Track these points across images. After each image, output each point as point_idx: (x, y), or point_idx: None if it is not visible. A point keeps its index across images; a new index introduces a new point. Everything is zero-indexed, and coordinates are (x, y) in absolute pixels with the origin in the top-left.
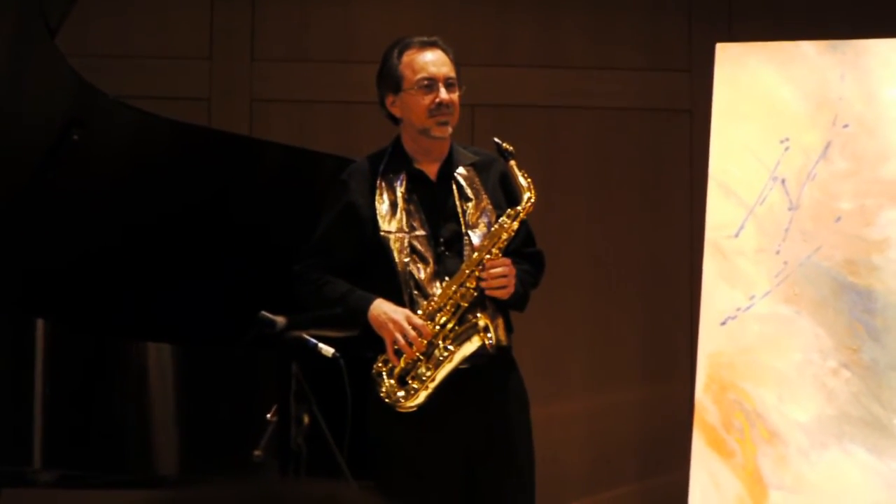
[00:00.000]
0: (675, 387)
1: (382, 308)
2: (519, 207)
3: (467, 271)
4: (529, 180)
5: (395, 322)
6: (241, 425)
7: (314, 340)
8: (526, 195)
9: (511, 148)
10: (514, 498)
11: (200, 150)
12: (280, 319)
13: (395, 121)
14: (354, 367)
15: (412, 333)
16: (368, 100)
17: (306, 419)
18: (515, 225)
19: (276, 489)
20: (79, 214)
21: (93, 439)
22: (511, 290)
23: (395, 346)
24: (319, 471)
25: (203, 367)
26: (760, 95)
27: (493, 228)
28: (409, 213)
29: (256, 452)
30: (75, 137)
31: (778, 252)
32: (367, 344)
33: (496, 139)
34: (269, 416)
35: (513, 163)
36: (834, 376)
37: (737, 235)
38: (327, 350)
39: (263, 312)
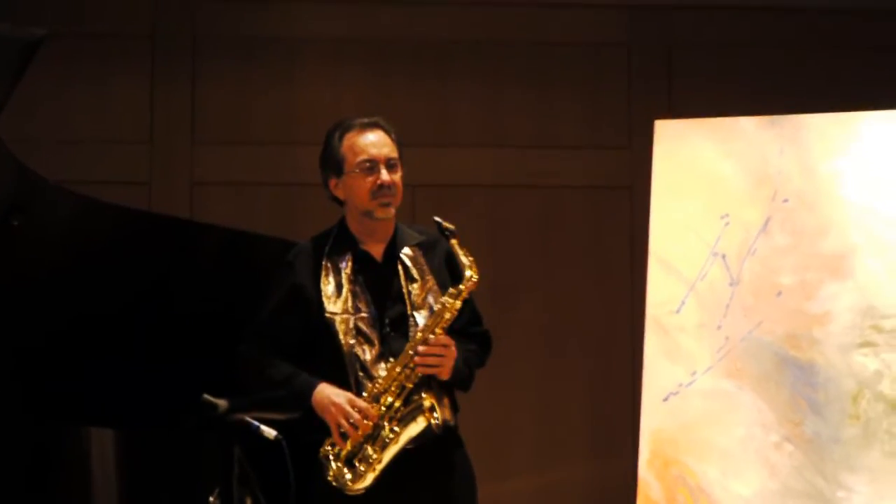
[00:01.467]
0: (618, 463)
1: (325, 392)
2: (461, 286)
3: (411, 352)
4: (471, 259)
5: (337, 406)
6: None
7: (256, 423)
8: (468, 273)
9: (452, 227)
10: None
11: (141, 234)
12: (222, 403)
13: (340, 202)
14: (297, 450)
15: (356, 416)
16: (310, 181)
17: (249, 502)
18: (458, 304)
19: None
20: (18, 301)
21: None
22: (446, 369)
23: (341, 430)
24: None
25: (145, 451)
26: (700, 171)
27: (436, 308)
28: (354, 295)
29: None
30: (15, 223)
31: (719, 327)
32: (310, 426)
33: (436, 218)
34: (211, 499)
35: (454, 241)
36: (776, 450)
37: (678, 311)
38: (269, 432)
39: (205, 396)
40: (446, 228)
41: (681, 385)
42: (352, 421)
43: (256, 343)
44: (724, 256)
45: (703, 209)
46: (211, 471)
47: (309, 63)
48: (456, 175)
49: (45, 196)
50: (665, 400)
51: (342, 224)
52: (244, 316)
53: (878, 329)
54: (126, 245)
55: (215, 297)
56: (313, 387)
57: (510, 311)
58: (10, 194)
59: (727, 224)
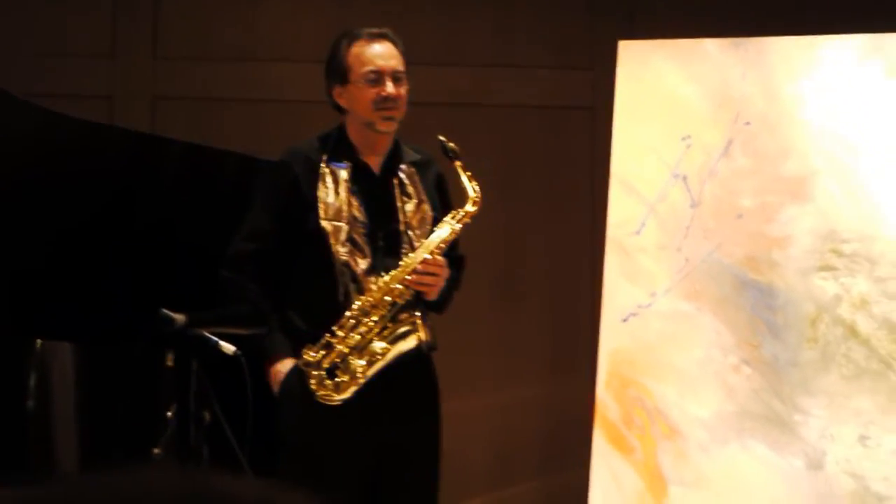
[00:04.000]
0: (576, 384)
1: (279, 369)
2: (462, 210)
3: (407, 269)
4: (476, 182)
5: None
6: (141, 423)
7: (215, 338)
8: (472, 195)
9: (456, 147)
10: (418, 500)
11: (102, 147)
12: (180, 317)
13: (341, 111)
14: (256, 365)
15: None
16: (272, 97)
17: (207, 417)
18: (458, 227)
19: (174, 486)
20: None
21: None
22: (437, 289)
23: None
24: (220, 468)
25: (103, 365)
26: (662, 93)
27: (435, 228)
28: (350, 205)
29: (156, 450)
30: None
31: (679, 249)
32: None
33: (441, 137)
34: (168, 414)
35: (458, 163)
36: (734, 372)
37: (638, 233)
38: (228, 348)
39: (164, 310)
40: (451, 149)
41: (640, 306)
42: None
43: (246, 249)
44: (685, 178)
45: (665, 131)
46: (169, 386)
47: None
48: (415, 93)
49: (6, 108)
50: (624, 321)
51: (342, 132)
52: (204, 230)
53: (838, 253)
54: (87, 159)
55: (176, 212)
56: (278, 358)
57: (468, 231)
58: None
59: (689, 146)
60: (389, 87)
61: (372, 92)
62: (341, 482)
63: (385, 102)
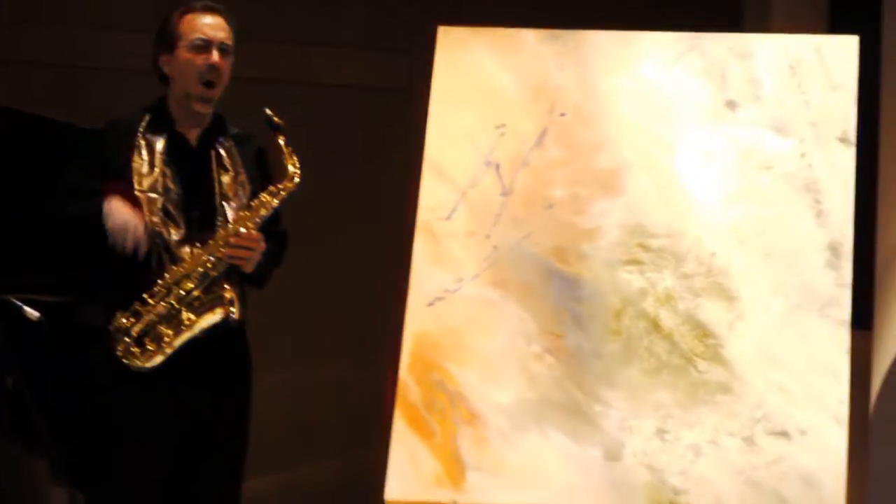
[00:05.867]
0: (380, 365)
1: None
2: (282, 185)
3: (221, 242)
4: (296, 158)
5: (135, 224)
6: None
7: (18, 303)
8: (291, 170)
9: (281, 122)
10: (221, 476)
11: None
12: None
13: (165, 81)
14: (62, 333)
15: (137, 240)
16: (100, 65)
17: (9, 382)
18: (276, 202)
19: None
20: None
21: None
22: (252, 262)
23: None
24: (20, 435)
25: None
26: (479, 80)
27: (253, 202)
28: (165, 176)
29: None
30: None
31: (488, 236)
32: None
33: (267, 110)
34: None
35: (281, 138)
36: (537, 361)
37: (448, 218)
38: (32, 313)
39: None
40: (276, 123)
41: (447, 291)
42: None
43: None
44: (497, 166)
45: (480, 118)
46: None
47: None
48: (233, 68)
49: None
50: (430, 305)
51: (162, 103)
52: (20, 198)
53: (645, 247)
54: None
55: None
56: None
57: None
58: None
59: (503, 134)
60: (215, 56)
61: (198, 59)
62: (146, 451)
63: (210, 71)
